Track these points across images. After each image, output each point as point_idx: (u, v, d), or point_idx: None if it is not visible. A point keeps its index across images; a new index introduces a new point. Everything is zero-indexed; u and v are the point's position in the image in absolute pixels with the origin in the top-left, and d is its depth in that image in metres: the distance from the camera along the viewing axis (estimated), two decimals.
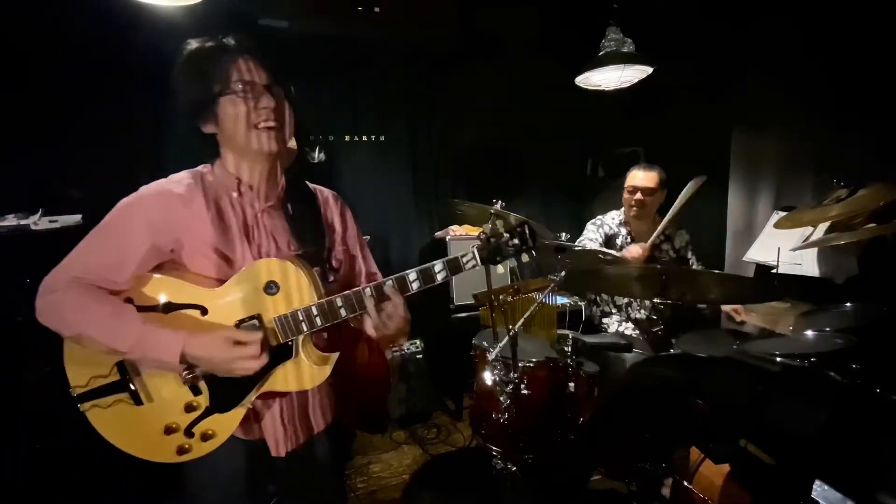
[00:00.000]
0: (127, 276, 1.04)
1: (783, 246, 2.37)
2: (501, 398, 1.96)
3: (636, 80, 2.69)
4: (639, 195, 2.52)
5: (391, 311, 1.07)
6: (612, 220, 2.68)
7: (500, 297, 2.36)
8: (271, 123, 1.06)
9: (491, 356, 1.96)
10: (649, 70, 2.59)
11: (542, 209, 3.94)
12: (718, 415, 1.61)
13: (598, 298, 2.78)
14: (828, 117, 2.52)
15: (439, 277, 1.06)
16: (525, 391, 2.00)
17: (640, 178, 2.53)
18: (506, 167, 3.79)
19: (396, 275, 1.06)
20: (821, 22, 2.44)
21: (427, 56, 3.39)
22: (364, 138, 3.41)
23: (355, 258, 1.31)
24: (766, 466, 1.44)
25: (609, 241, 2.64)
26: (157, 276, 1.07)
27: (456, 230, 3.29)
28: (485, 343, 2.21)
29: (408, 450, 2.82)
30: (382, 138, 3.45)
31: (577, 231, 2.75)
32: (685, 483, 1.65)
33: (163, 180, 1.10)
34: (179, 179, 1.10)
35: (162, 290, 1.06)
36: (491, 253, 1.05)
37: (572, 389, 2.08)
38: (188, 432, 1.08)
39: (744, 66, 2.88)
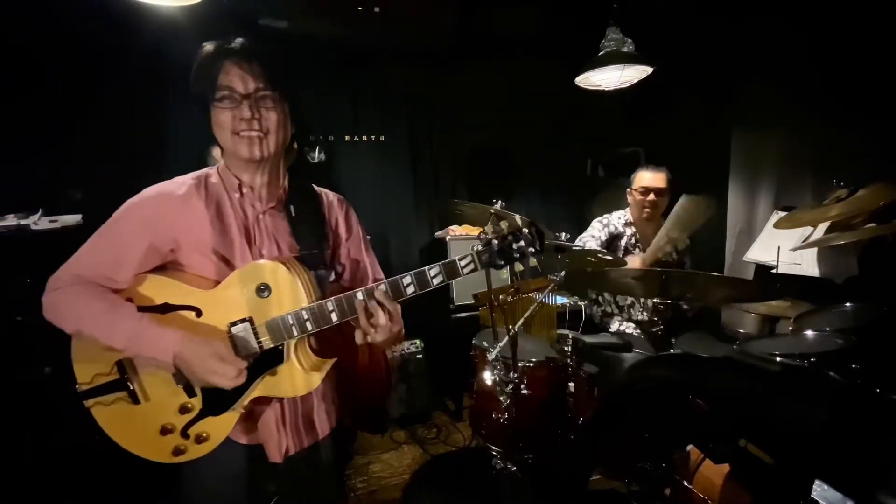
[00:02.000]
0: (126, 276, 1.05)
1: (783, 246, 2.37)
2: (501, 398, 1.96)
3: (636, 80, 2.69)
4: (651, 196, 2.50)
5: (383, 321, 1.01)
6: (617, 220, 2.67)
7: (500, 297, 2.36)
8: (251, 133, 1.04)
9: (491, 356, 1.96)
10: (649, 70, 2.59)
11: (542, 209, 3.93)
12: (718, 415, 1.61)
13: (599, 298, 2.78)
14: (828, 117, 2.52)
15: (435, 282, 1.01)
16: (525, 391, 1.99)
17: (650, 178, 2.51)
18: (506, 167, 3.79)
19: (390, 279, 1.02)
20: (820, 22, 2.44)
21: (427, 56, 3.39)
22: (364, 138, 3.41)
23: (360, 262, 1.28)
24: (766, 466, 1.44)
25: (613, 240, 2.64)
26: (154, 276, 1.07)
27: (456, 230, 3.29)
28: (485, 343, 2.21)
29: (408, 450, 2.82)
30: (382, 138, 3.45)
31: (578, 231, 2.74)
32: (685, 483, 1.65)
33: (166, 182, 1.10)
34: (182, 181, 1.10)
35: (159, 290, 1.06)
36: (492, 256, 0.98)
37: (572, 389, 2.08)
38: (184, 433, 1.08)
39: (744, 67, 2.89)
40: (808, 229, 2.36)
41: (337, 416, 1.28)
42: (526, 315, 2.05)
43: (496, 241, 1.00)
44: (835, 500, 1.21)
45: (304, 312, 1.02)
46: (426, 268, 1.00)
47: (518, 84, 3.56)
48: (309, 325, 1.03)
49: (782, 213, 2.41)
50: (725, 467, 1.56)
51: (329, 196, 1.27)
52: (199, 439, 1.09)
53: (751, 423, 1.53)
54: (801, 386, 1.55)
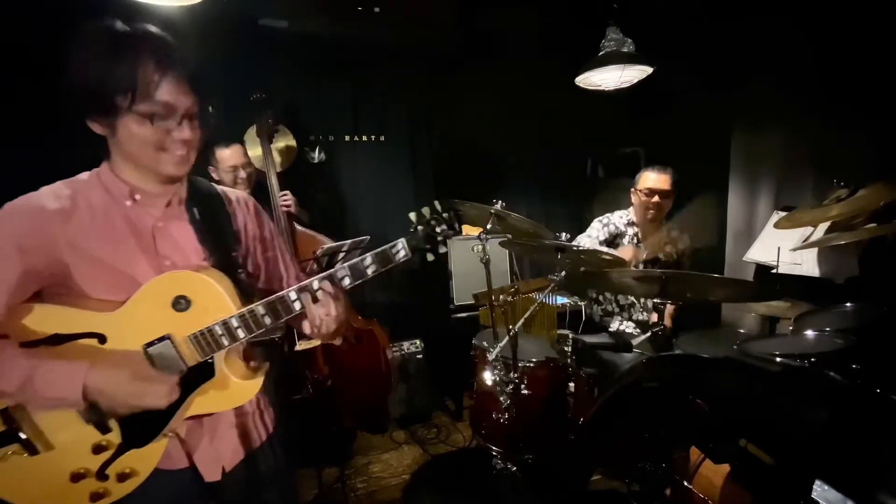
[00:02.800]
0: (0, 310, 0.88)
1: (783, 246, 2.37)
2: (501, 398, 1.96)
3: (636, 80, 2.69)
4: (656, 198, 2.49)
5: (324, 313, 0.98)
6: (619, 219, 2.67)
7: (500, 297, 2.36)
8: (181, 152, 0.94)
9: (491, 356, 1.97)
10: (649, 70, 2.59)
11: (542, 209, 3.93)
12: (718, 415, 1.61)
13: (600, 298, 2.78)
14: (828, 117, 2.52)
15: (369, 272, 0.99)
16: (525, 391, 2.00)
17: (655, 179, 2.50)
18: (506, 167, 3.79)
19: (323, 273, 0.99)
20: (820, 22, 2.44)
21: (427, 56, 3.39)
22: (364, 138, 3.40)
23: (276, 260, 1.20)
24: (766, 466, 1.44)
25: (614, 239, 2.64)
26: (38, 305, 0.91)
27: None
28: (485, 343, 2.21)
29: (408, 450, 2.82)
30: (382, 138, 3.45)
31: (577, 231, 2.75)
32: (685, 483, 1.65)
33: (32, 194, 0.94)
34: (54, 191, 0.94)
35: (46, 320, 0.91)
36: (420, 241, 1.00)
37: (572, 389, 2.08)
38: (101, 475, 0.95)
39: (744, 67, 2.89)
40: (808, 229, 2.36)
41: (273, 421, 1.19)
42: (526, 315, 2.05)
43: (420, 227, 1.01)
44: (835, 500, 1.21)
45: (233, 320, 0.96)
46: (360, 258, 0.99)
47: (518, 84, 3.56)
48: (241, 333, 0.96)
49: (782, 213, 2.41)
50: (725, 467, 1.56)
51: (234, 194, 1.16)
52: (123, 477, 0.95)
53: (751, 423, 1.53)
54: (801, 386, 1.55)
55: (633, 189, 2.60)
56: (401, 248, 1.00)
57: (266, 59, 2.90)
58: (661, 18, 2.87)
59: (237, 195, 1.16)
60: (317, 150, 3.17)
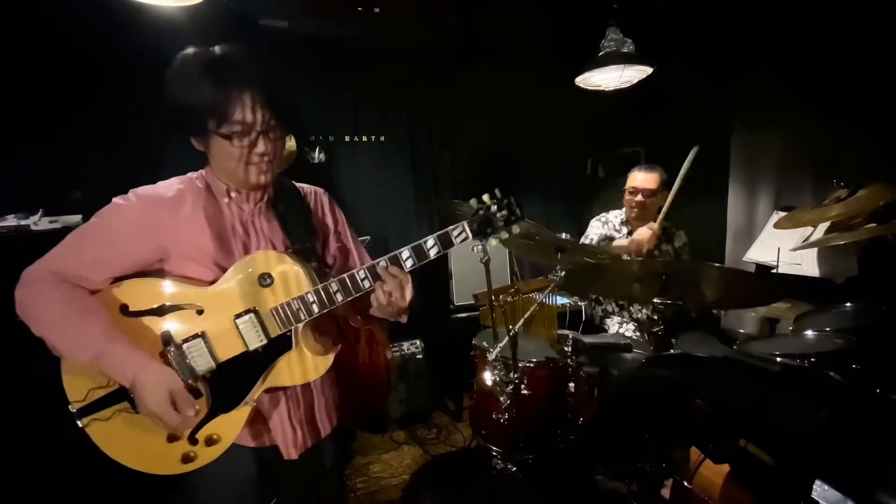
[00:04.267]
0: (105, 277, 1.03)
1: (783, 246, 2.37)
2: (501, 398, 1.96)
3: (636, 80, 2.69)
4: (639, 196, 2.51)
5: (389, 290, 1.06)
6: (615, 217, 2.68)
7: (500, 297, 2.36)
8: (263, 163, 1.05)
9: (491, 356, 1.97)
10: (649, 70, 2.59)
11: (542, 209, 3.93)
12: (718, 415, 1.61)
13: (600, 298, 2.78)
14: (828, 117, 2.52)
15: (432, 253, 1.06)
16: (525, 391, 2.00)
17: (641, 179, 2.52)
18: (506, 167, 3.79)
19: (389, 255, 1.06)
20: (820, 22, 2.44)
21: (427, 56, 3.39)
22: (364, 138, 3.40)
23: (350, 251, 1.31)
24: (766, 466, 1.44)
25: (613, 238, 2.65)
26: (146, 279, 1.05)
27: None
28: (485, 343, 2.21)
29: (408, 450, 2.82)
30: (382, 138, 3.45)
31: (577, 231, 2.75)
32: (685, 483, 1.65)
33: (153, 185, 1.09)
34: (169, 185, 1.10)
35: (155, 291, 1.04)
36: (481, 225, 1.06)
37: (572, 389, 2.08)
38: (192, 439, 1.05)
39: (744, 67, 2.89)
40: (808, 229, 2.36)
41: (337, 415, 1.29)
42: (526, 315, 2.05)
43: (482, 212, 1.07)
44: (835, 500, 1.21)
45: (309, 296, 1.05)
46: (422, 240, 1.06)
47: (518, 84, 3.56)
48: (315, 308, 1.05)
49: (782, 213, 2.41)
50: (725, 467, 1.56)
51: (312, 190, 1.28)
52: (210, 442, 1.06)
53: (751, 423, 1.53)
54: (801, 386, 1.55)
55: (624, 188, 2.62)
56: (461, 231, 1.06)
57: (266, 59, 2.89)
58: (661, 18, 2.87)
59: (314, 190, 1.28)
60: (317, 150, 3.17)
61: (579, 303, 2.94)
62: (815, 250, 2.39)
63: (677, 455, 1.72)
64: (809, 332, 1.80)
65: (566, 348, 2.13)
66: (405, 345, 3.05)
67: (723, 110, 3.05)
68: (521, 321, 2.02)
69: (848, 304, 1.92)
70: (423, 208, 3.63)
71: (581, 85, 2.75)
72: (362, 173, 3.39)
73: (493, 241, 1.07)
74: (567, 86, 2.79)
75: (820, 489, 1.23)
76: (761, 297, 2.04)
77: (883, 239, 2.13)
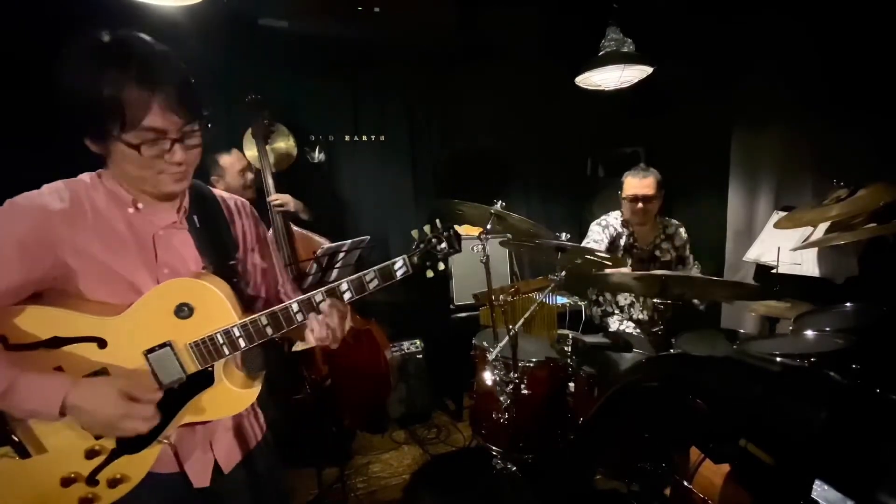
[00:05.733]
0: None
1: (783, 246, 2.37)
2: (501, 398, 1.96)
3: (636, 80, 2.69)
4: (640, 204, 2.51)
5: (325, 324, 0.99)
6: (615, 219, 2.68)
7: (500, 297, 2.36)
8: (178, 171, 0.92)
9: (491, 356, 1.97)
10: (649, 70, 2.59)
11: (542, 209, 3.93)
12: (718, 415, 1.61)
13: (599, 298, 2.78)
14: (828, 117, 2.52)
15: (371, 286, 1.01)
16: (525, 391, 2.00)
17: (638, 185, 2.52)
18: (506, 167, 3.79)
19: (327, 286, 0.99)
20: (821, 22, 2.45)
21: (427, 56, 3.39)
22: (364, 138, 3.40)
23: (267, 268, 1.19)
24: (766, 466, 1.44)
25: (613, 241, 2.65)
26: (36, 306, 0.89)
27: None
28: (485, 343, 2.21)
29: (408, 450, 2.82)
30: (382, 138, 3.45)
31: (577, 231, 2.75)
32: (685, 483, 1.65)
33: (35, 193, 0.91)
34: (57, 191, 0.92)
35: (45, 322, 0.89)
36: (421, 258, 1.03)
37: (572, 389, 2.08)
38: (91, 481, 0.93)
39: (744, 66, 2.89)
40: (808, 229, 2.37)
41: (263, 427, 1.18)
42: (526, 315, 2.05)
43: (422, 245, 1.03)
44: (835, 500, 1.21)
45: (235, 330, 0.96)
46: (362, 273, 1.01)
47: (518, 84, 3.56)
48: (242, 343, 0.96)
49: (782, 213, 2.41)
50: (725, 467, 1.56)
51: (229, 199, 1.15)
52: (114, 483, 0.94)
53: (751, 423, 1.53)
54: (801, 386, 1.55)
55: (619, 192, 2.61)
56: (402, 265, 1.02)
57: (266, 60, 2.90)
58: (661, 18, 2.87)
59: (235, 200, 1.15)
60: (317, 149, 3.17)
61: (579, 303, 2.94)
62: (815, 250, 2.39)
63: (677, 455, 1.72)
64: (809, 332, 1.80)
65: (566, 348, 2.14)
66: (405, 345, 3.05)
67: (723, 110, 3.05)
68: (521, 321, 2.02)
69: (848, 304, 1.92)
70: (423, 208, 3.64)
71: (581, 85, 2.75)
72: (362, 173, 3.39)
73: (429, 273, 1.04)
74: (567, 85, 2.79)
75: (820, 489, 1.23)
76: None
77: (883, 239, 2.13)
